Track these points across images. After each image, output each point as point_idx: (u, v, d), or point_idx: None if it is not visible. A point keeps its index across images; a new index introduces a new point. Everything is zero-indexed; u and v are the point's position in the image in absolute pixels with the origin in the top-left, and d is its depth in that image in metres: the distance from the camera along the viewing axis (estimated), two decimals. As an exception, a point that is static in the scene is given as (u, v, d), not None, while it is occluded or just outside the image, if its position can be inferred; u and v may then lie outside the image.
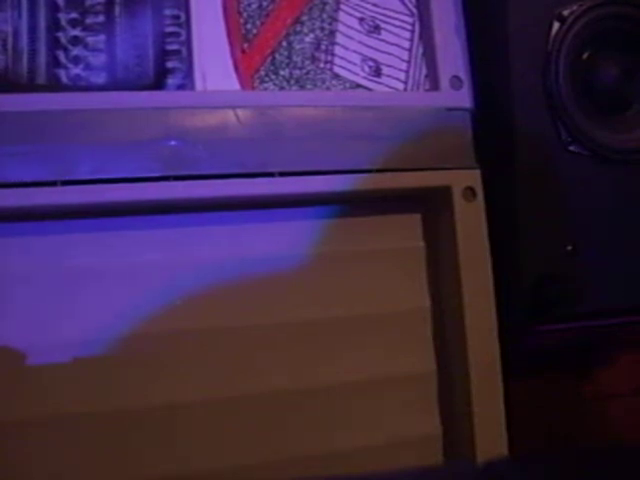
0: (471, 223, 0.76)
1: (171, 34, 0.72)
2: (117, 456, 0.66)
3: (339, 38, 0.77)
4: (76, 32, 0.69)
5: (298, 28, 0.76)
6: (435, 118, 0.76)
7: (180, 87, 0.71)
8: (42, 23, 0.68)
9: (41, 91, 0.67)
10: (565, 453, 0.76)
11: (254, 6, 0.75)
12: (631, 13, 0.81)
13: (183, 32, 0.72)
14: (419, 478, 0.69)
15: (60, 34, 0.69)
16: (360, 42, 0.78)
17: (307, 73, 0.76)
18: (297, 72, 0.75)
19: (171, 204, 0.69)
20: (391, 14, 0.79)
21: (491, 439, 0.74)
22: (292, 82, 0.75)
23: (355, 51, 0.78)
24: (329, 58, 0.77)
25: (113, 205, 0.67)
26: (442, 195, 0.76)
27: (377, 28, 0.79)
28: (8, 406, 0.64)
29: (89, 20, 0.70)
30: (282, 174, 0.71)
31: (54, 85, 0.68)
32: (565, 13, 0.79)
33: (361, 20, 0.78)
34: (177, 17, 0.72)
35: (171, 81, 0.71)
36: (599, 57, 0.81)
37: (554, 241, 0.79)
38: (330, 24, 0.77)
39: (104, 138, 0.67)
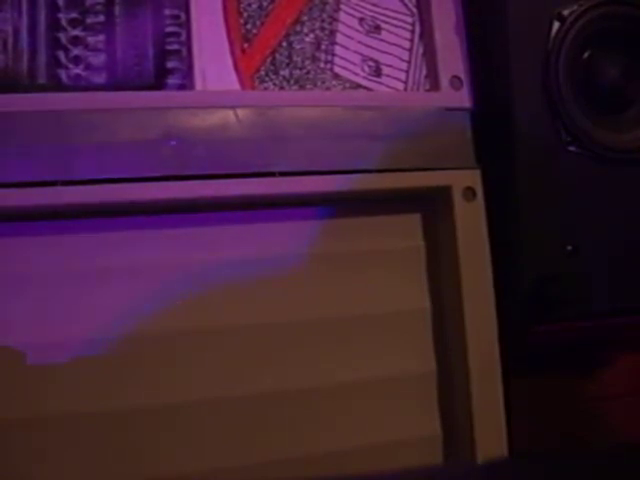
0: (471, 223, 0.76)
1: (171, 34, 0.72)
2: (117, 456, 0.66)
3: (339, 38, 0.77)
4: (76, 32, 0.69)
5: (298, 28, 0.76)
6: (435, 118, 0.77)
7: (180, 87, 0.71)
8: (42, 23, 0.68)
9: (41, 91, 0.67)
10: (565, 453, 0.76)
11: (254, 6, 0.75)
12: (631, 13, 0.81)
13: (183, 32, 0.72)
14: (419, 478, 0.69)
15: (60, 34, 0.69)
16: (360, 42, 0.78)
17: (307, 73, 0.76)
18: (297, 72, 0.75)
19: (171, 204, 0.69)
20: (391, 14, 0.79)
21: (491, 439, 0.74)
22: (292, 82, 0.75)
23: (355, 51, 0.78)
24: (329, 58, 0.77)
25: (113, 205, 0.67)
26: (442, 195, 0.76)
27: (377, 28, 0.79)
28: (8, 406, 0.64)
29: (89, 20, 0.70)
30: (282, 174, 0.71)
31: (54, 85, 0.68)
32: (565, 13, 0.79)
33: (361, 20, 0.78)
34: (177, 17, 0.72)
35: (171, 81, 0.71)
36: (599, 57, 0.81)
37: (554, 241, 0.78)
38: (330, 24, 0.77)
39: (104, 138, 0.67)
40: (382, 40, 0.79)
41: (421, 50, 0.80)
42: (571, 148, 0.79)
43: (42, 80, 0.68)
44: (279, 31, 0.75)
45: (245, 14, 0.74)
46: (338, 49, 0.77)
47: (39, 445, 0.64)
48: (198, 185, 0.68)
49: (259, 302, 0.72)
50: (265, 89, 0.74)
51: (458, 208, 0.75)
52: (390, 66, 0.78)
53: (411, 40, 0.80)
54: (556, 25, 0.79)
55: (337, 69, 0.77)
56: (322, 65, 0.76)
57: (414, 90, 0.79)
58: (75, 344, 0.66)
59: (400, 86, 0.79)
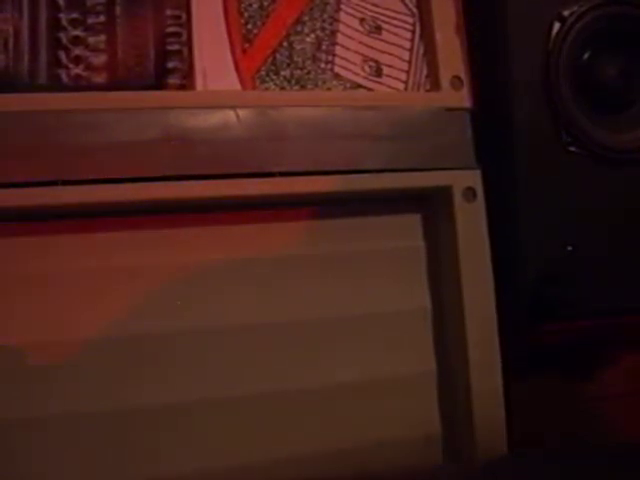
0: (471, 223, 0.76)
1: (172, 34, 0.72)
2: (117, 456, 0.67)
3: (340, 38, 0.77)
4: (77, 32, 0.69)
5: (299, 28, 0.76)
6: (435, 118, 0.77)
7: (181, 87, 0.71)
8: (43, 23, 0.68)
9: (42, 91, 0.67)
10: (565, 453, 0.76)
11: (255, 6, 0.75)
12: (631, 13, 0.81)
13: (184, 32, 0.72)
14: (419, 478, 0.69)
15: (61, 34, 0.69)
16: (361, 42, 0.78)
17: (308, 73, 0.76)
18: (298, 72, 0.75)
19: (171, 204, 0.69)
20: (392, 14, 0.79)
21: (491, 439, 0.74)
22: (293, 82, 0.75)
23: (356, 51, 0.78)
24: (330, 58, 0.77)
25: (113, 205, 0.67)
26: (442, 195, 0.76)
27: (378, 28, 0.79)
28: (8, 406, 0.64)
29: (90, 20, 0.70)
30: (282, 174, 0.71)
31: (55, 85, 0.68)
32: (565, 13, 0.79)
33: (362, 20, 0.78)
34: (178, 17, 0.72)
35: (172, 81, 0.71)
36: (599, 57, 0.81)
37: (554, 241, 0.79)
38: (331, 24, 0.77)
39: (104, 138, 0.67)
40: (383, 40, 0.79)
41: (422, 50, 0.80)
42: (571, 148, 0.79)
43: (43, 80, 0.68)
44: (280, 31, 0.75)
45: (246, 14, 0.74)
46: (339, 49, 0.77)
47: (39, 445, 0.64)
48: (198, 185, 0.68)
49: (259, 302, 0.72)
50: (266, 89, 0.74)
51: (458, 208, 0.75)
52: (391, 66, 0.78)
53: (412, 40, 0.80)
54: (556, 25, 0.79)
55: (338, 69, 0.77)
56: (323, 65, 0.76)
57: (414, 90, 0.79)
58: (75, 344, 0.66)
59: (401, 86, 0.79)
